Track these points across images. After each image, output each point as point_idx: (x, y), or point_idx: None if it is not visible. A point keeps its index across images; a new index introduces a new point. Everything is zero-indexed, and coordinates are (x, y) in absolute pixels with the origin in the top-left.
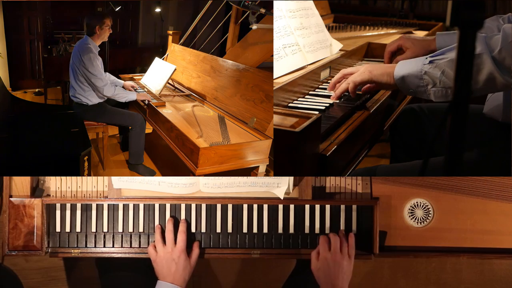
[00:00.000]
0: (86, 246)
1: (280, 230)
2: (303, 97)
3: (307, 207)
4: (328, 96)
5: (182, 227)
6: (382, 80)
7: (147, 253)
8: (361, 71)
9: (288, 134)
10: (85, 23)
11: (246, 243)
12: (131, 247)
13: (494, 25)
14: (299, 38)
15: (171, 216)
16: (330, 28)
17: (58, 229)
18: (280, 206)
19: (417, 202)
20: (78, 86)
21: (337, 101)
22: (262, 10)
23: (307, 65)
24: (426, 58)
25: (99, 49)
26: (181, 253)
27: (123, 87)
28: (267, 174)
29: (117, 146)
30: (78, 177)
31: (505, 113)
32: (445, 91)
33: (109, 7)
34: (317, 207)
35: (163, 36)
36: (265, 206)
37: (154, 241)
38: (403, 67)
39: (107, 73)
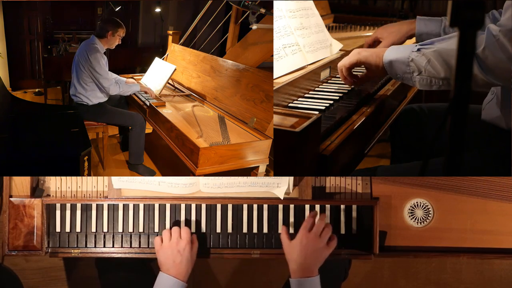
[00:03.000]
0: (86, 246)
1: (280, 230)
2: (303, 97)
3: (307, 207)
4: (328, 97)
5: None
6: (371, 61)
7: (147, 253)
8: (350, 54)
9: (288, 134)
10: (100, 24)
11: (246, 243)
12: (131, 247)
13: None
14: (299, 38)
15: (171, 216)
16: (330, 28)
17: (58, 229)
18: (280, 206)
19: (417, 202)
20: (80, 85)
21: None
22: (262, 10)
23: (307, 65)
24: (416, 45)
25: (104, 50)
26: (187, 245)
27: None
28: (267, 174)
29: (117, 146)
30: (78, 177)
31: (507, 121)
32: (429, 80)
33: (109, 7)
34: (317, 207)
35: (163, 36)
36: (265, 206)
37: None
38: (393, 52)
39: (109, 72)
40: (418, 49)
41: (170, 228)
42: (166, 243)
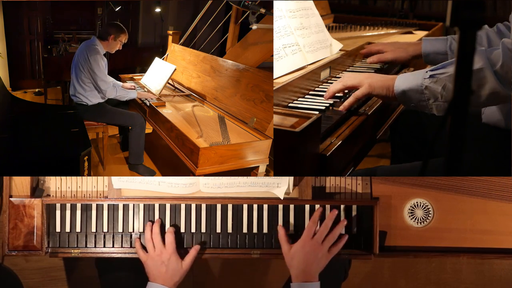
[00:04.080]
0: (86, 246)
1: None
2: (303, 97)
3: (307, 207)
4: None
5: (170, 228)
6: (382, 93)
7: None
8: (361, 84)
9: (288, 134)
10: (104, 27)
11: (246, 243)
12: (131, 247)
13: (483, 33)
14: (299, 38)
15: (171, 216)
16: (330, 28)
17: (58, 229)
18: (280, 206)
19: (417, 202)
20: (79, 85)
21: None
22: (262, 10)
23: (307, 65)
24: (427, 72)
25: (104, 52)
26: (171, 255)
27: (122, 87)
28: (267, 174)
29: (117, 146)
30: (78, 177)
31: (507, 123)
32: (447, 105)
33: (109, 7)
34: (317, 207)
35: (163, 36)
36: (265, 206)
37: (144, 241)
38: (404, 81)
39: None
40: (431, 76)
41: (150, 222)
42: (150, 254)
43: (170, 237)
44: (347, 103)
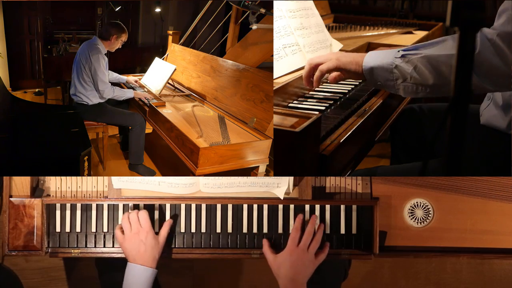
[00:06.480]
0: (86, 246)
1: (280, 230)
2: (303, 97)
3: (307, 207)
4: (328, 98)
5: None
6: (350, 68)
7: None
8: (329, 58)
9: (288, 134)
10: (104, 27)
11: (246, 243)
12: None
13: None
14: (299, 38)
15: (171, 216)
16: (330, 28)
17: (58, 229)
18: (280, 206)
19: (417, 202)
20: (80, 84)
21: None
22: (262, 10)
23: None
24: (398, 51)
25: (106, 51)
26: (148, 232)
27: (126, 82)
28: (267, 174)
29: (117, 146)
30: (78, 177)
31: (507, 124)
32: (415, 87)
33: (109, 7)
34: (317, 207)
35: (163, 36)
36: (265, 206)
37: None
38: (373, 58)
39: (109, 71)
40: (402, 55)
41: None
42: (127, 234)
43: (144, 215)
44: (315, 78)
